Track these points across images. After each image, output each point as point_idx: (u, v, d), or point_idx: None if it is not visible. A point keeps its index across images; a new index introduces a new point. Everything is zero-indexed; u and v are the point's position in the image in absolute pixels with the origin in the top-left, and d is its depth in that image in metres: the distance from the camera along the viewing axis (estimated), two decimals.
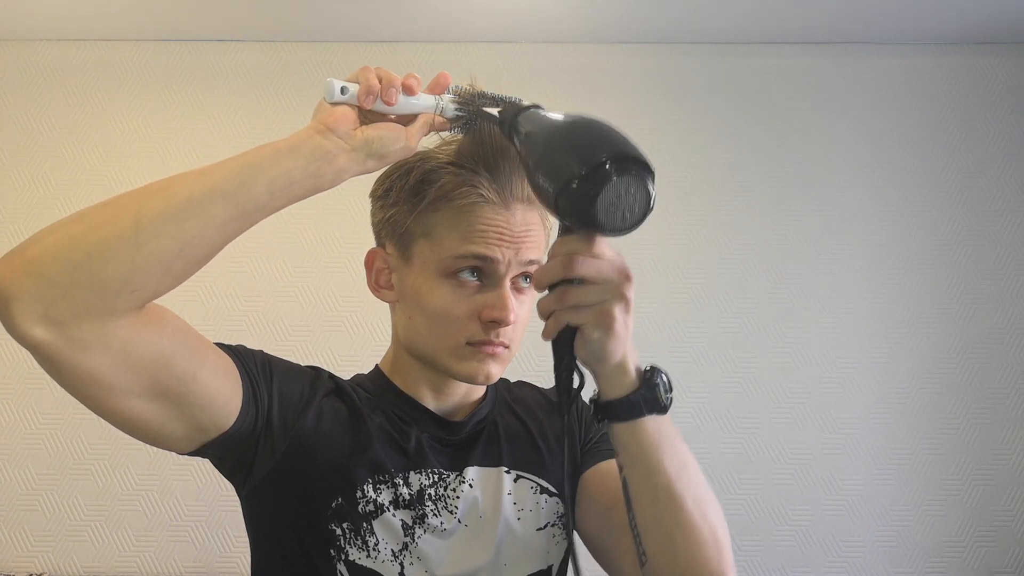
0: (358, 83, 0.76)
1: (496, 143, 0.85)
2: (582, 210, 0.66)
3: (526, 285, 0.88)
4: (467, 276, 0.85)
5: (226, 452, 0.80)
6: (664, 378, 0.77)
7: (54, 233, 0.65)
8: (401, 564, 0.83)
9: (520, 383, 1.05)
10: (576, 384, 0.75)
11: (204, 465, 0.85)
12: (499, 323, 0.85)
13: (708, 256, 2.25)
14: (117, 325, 0.66)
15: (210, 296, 2.20)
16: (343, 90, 0.75)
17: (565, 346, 0.74)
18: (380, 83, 0.76)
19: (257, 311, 2.21)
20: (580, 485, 0.95)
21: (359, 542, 0.83)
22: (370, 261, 0.93)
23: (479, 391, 0.96)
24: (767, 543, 2.16)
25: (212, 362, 0.76)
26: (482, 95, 0.82)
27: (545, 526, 0.93)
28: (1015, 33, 2.27)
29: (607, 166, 0.65)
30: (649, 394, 0.76)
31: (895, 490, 2.18)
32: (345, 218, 2.20)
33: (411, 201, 0.87)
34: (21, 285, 0.63)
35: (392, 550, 0.83)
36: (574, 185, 0.65)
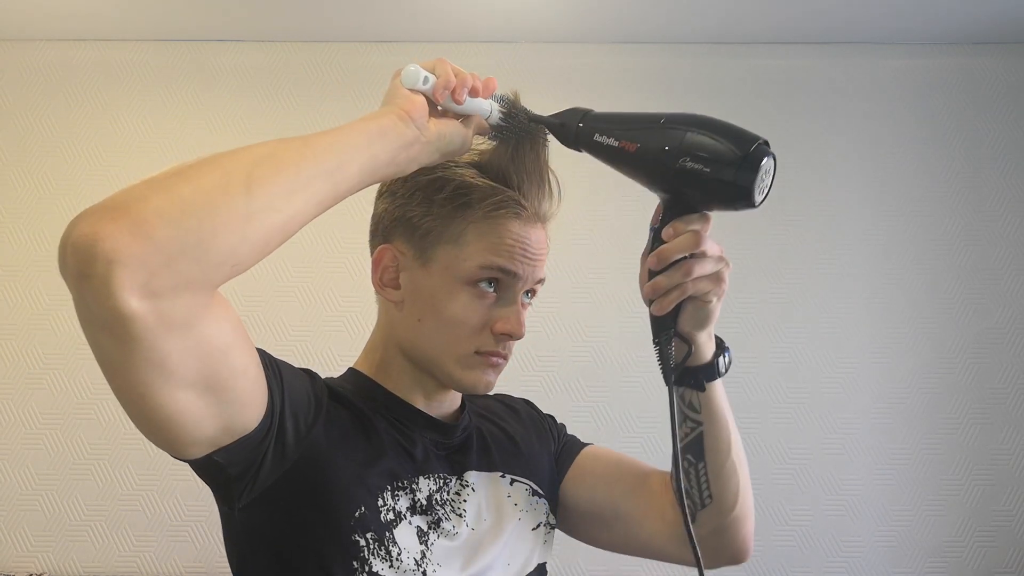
0: (435, 75, 0.76)
1: (530, 159, 0.86)
2: (744, 187, 0.73)
3: (528, 301, 0.90)
4: (485, 287, 0.85)
5: (232, 458, 0.74)
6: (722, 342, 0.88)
7: (159, 192, 0.59)
8: (424, 573, 0.82)
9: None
10: (684, 353, 0.83)
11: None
12: (512, 337, 0.86)
13: None
14: (206, 304, 0.63)
15: None
16: (425, 80, 0.75)
17: (670, 319, 0.81)
18: (455, 80, 0.76)
19: (257, 311, 2.21)
20: (574, 473, 1.00)
21: (383, 552, 0.80)
22: (379, 258, 0.90)
23: (459, 399, 0.96)
24: (767, 543, 2.16)
25: (257, 361, 0.73)
26: (521, 107, 0.84)
27: (538, 526, 0.95)
28: (1015, 33, 2.27)
29: (761, 146, 0.74)
30: (727, 355, 0.87)
31: (895, 490, 2.18)
32: (345, 218, 2.19)
33: (442, 204, 0.86)
34: (129, 248, 0.55)
35: (415, 558, 0.82)
36: (739, 164, 0.73)
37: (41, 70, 2.33)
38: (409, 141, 0.73)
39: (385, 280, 0.90)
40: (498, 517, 0.91)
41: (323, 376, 0.92)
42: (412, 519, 0.83)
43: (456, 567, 0.84)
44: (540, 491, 0.97)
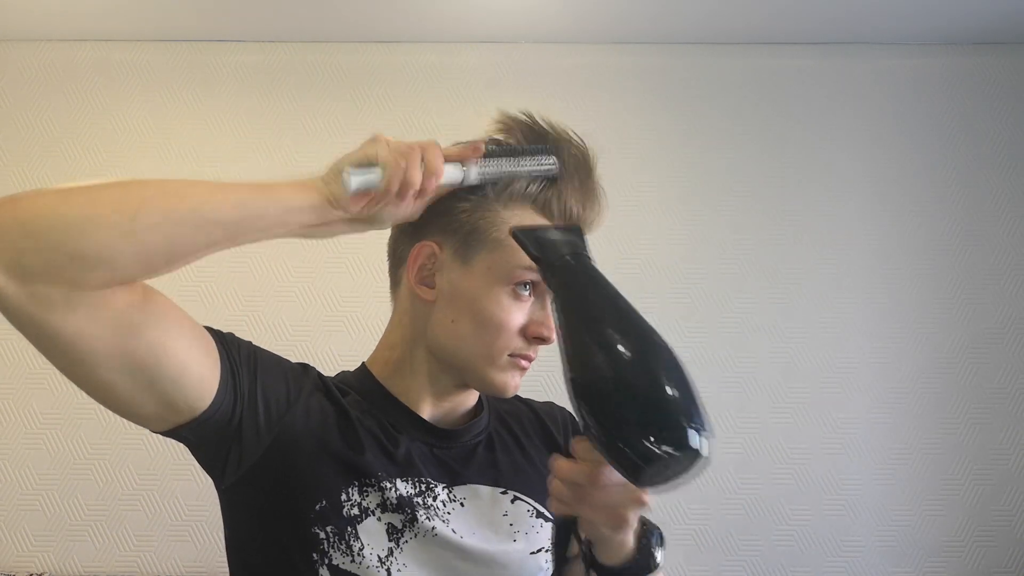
0: (378, 169, 0.74)
1: (580, 169, 0.85)
2: (623, 465, 0.65)
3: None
4: (522, 290, 0.84)
5: (201, 438, 0.78)
6: (656, 539, 0.79)
7: (53, 193, 0.65)
8: (388, 571, 0.81)
9: None
10: (577, 551, 0.77)
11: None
12: (545, 341, 0.86)
13: (708, 256, 2.25)
14: (90, 295, 0.66)
15: (210, 296, 2.20)
16: (364, 183, 0.73)
17: (570, 520, 0.75)
18: (405, 181, 0.74)
19: (257, 311, 2.21)
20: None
21: (343, 547, 0.80)
22: (417, 254, 0.88)
23: (472, 402, 0.95)
24: (767, 543, 2.16)
25: (188, 336, 0.74)
26: (507, 150, 0.81)
27: (539, 550, 0.90)
28: (1015, 33, 2.27)
29: (670, 445, 0.62)
30: (642, 560, 0.78)
31: (895, 490, 2.18)
32: None
33: (493, 205, 0.85)
34: (2, 228, 0.63)
35: (378, 555, 0.81)
36: (621, 443, 0.63)
37: (41, 70, 2.33)
38: (329, 220, 0.75)
39: (420, 278, 0.88)
40: (489, 534, 0.87)
41: (339, 371, 0.93)
42: (382, 516, 0.82)
43: (426, 570, 0.83)
44: (549, 515, 0.92)
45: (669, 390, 0.65)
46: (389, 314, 0.95)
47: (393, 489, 0.83)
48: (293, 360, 0.88)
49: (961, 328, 2.23)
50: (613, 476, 0.70)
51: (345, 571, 0.80)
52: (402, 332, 0.91)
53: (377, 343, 0.95)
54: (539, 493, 0.92)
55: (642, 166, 2.28)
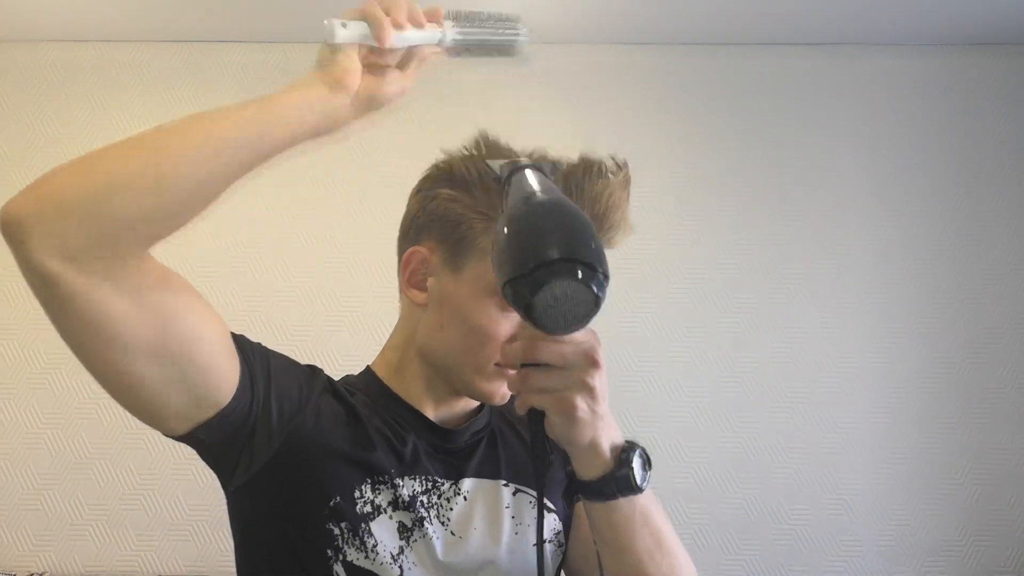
0: (363, 20, 0.72)
1: (596, 194, 0.86)
2: (520, 310, 0.64)
3: None
4: None
5: (216, 437, 0.77)
6: (640, 458, 0.77)
7: (73, 167, 0.65)
8: (401, 568, 0.82)
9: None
10: (549, 459, 0.75)
11: (205, 464, 0.84)
12: None
13: (708, 256, 2.25)
14: (131, 265, 0.66)
15: (211, 296, 2.18)
16: (344, 25, 0.71)
17: (536, 423, 0.73)
18: (388, 16, 0.72)
19: (257, 311, 2.21)
20: (577, 511, 0.96)
21: (357, 543, 0.81)
22: (408, 259, 0.89)
23: (471, 404, 0.95)
24: (766, 543, 2.16)
25: (217, 332, 0.74)
26: (481, 17, 0.79)
27: (543, 542, 0.91)
28: (1015, 34, 2.27)
29: (542, 270, 0.61)
30: (622, 476, 0.75)
31: (894, 490, 2.18)
32: (345, 218, 2.20)
33: (488, 216, 0.84)
34: (40, 215, 0.63)
35: (391, 552, 0.82)
36: (510, 286, 0.63)
37: (41, 71, 2.34)
38: (337, 110, 0.72)
39: (412, 282, 0.89)
40: (492, 527, 0.88)
41: (344, 374, 0.94)
42: (393, 514, 0.83)
43: (439, 570, 0.84)
44: (551, 506, 0.94)
45: (557, 224, 0.65)
46: (389, 315, 0.97)
47: (401, 487, 0.84)
48: (300, 362, 0.89)
49: (961, 328, 2.24)
50: (548, 350, 0.69)
51: (360, 568, 0.81)
52: (401, 335, 0.93)
53: (382, 345, 0.96)
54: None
55: (642, 166, 2.27)
